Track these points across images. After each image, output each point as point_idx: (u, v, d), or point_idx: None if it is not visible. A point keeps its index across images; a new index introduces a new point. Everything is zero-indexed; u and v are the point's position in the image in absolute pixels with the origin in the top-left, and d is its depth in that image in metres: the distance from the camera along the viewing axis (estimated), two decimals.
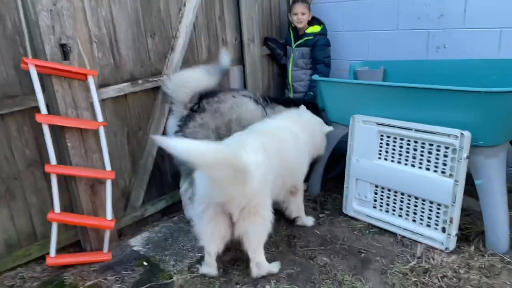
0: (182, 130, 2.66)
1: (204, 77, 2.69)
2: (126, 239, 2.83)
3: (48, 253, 2.44)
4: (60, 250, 2.54)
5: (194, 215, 2.36)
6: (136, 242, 2.78)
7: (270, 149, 2.28)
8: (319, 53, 3.49)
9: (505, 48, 2.88)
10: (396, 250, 2.50)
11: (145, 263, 2.54)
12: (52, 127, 2.32)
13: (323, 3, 3.72)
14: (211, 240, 2.22)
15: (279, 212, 2.77)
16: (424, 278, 2.20)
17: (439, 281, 2.16)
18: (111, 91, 2.62)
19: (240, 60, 3.43)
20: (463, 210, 2.74)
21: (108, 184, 2.48)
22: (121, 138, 2.79)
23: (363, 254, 2.50)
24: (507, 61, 2.80)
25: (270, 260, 2.36)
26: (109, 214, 2.50)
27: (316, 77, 3.10)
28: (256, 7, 3.40)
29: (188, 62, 3.05)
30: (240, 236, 2.18)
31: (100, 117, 2.41)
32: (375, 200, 2.80)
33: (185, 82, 2.66)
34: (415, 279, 2.20)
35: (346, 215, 2.93)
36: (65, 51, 2.27)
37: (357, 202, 2.90)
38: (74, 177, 2.45)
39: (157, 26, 2.85)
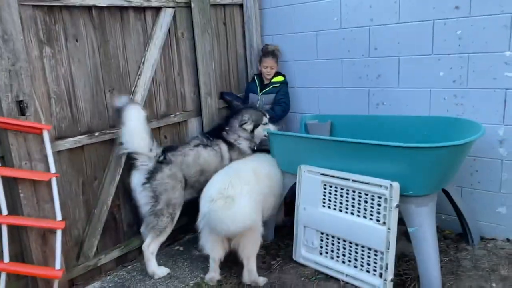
0: (150, 182, 2.91)
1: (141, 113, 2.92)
2: None
3: None
4: None
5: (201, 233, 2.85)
6: None
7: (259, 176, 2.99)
8: (281, 97, 3.77)
9: (434, 106, 3.19)
10: None
11: None
12: (6, 178, 2.40)
13: (283, 61, 4.02)
14: (215, 251, 2.79)
15: (229, 261, 2.88)
16: None
17: None
18: (67, 143, 2.75)
19: (198, 112, 3.63)
20: (404, 256, 2.93)
21: (58, 234, 2.54)
22: (76, 188, 2.88)
23: None
24: (436, 118, 3.10)
25: None
26: (58, 264, 2.54)
27: (268, 130, 3.32)
28: (213, 65, 3.66)
29: (147, 115, 3.22)
30: (236, 247, 2.77)
31: (53, 169, 2.52)
32: (321, 247, 2.94)
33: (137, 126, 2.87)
34: None
35: (296, 262, 3.05)
36: (21, 107, 2.41)
37: (305, 249, 3.03)
38: (25, 227, 2.51)
39: (116, 81, 3.04)
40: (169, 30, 3.32)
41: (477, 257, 2.89)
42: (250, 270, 2.78)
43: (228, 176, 2.89)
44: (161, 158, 2.98)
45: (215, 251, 2.80)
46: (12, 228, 2.45)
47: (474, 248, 3.00)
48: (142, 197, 2.94)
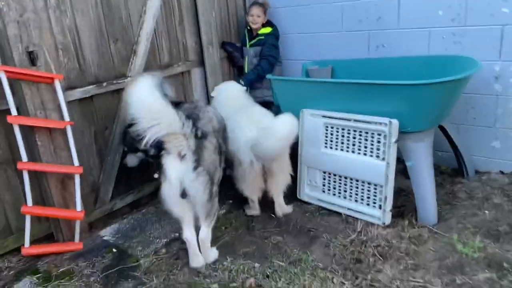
0: (200, 164, 2.33)
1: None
2: (97, 231, 3.05)
3: (23, 245, 2.64)
4: (34, 242, 2.73)
5: (239, 175, 2.93)
6: (106, 233, 3.01)
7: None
8: (265, 50, 3.78)
9: (433, 45, 3.24)
10: (340, 227, 2.80)
11: (114, 250, 2.77)
12: (23, 128, 2.53)
13: (278, 8, 4.03)
14: (254, 191, 2.99)
15: (240, 199, 3.07)
16: (361, 248, 2.51)
17: (373, 250, 2.48)
18: (77, 93, 2.84)
19: (200, 62, 3.70)
20: (400, 190, 3.10)
21: (77, 179, 2.70)
22: (89, 138, 3.01)
23: (311, 232, 2.79)
24: (434, 57, 3.17)
25: (228, 243, 2.69)
26: (79, 206, 2.72)
27: (269, 76, 3.40)
28: (213, 13, 3.68)
29: (151, 64, 3.30)
30: (271, 186, 2.98)
31: (66, 117, 2.63)
32: (323, 185, 3.11)
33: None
34: (353, 249, 2.51)
35: (300, 200, 3.23)
36: (32, 58, 2.49)
37: (309, 188, 3.20)
38: (45, 173, 2.66)
39: (119, 32, 3.09)
40: None
41: (471, 189, 3.06)
42: (281, 204, 3.06)
43: (251, 118, 2.99)
44: (198, 131, 2.33)
45: (254, 193, 3.01)
46: (31, 176, 2.60)
47: (469, 181, 3.17)
48: (198, 184, 2.33)
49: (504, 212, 2.72)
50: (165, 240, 2.84)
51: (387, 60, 3.38)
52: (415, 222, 2.74)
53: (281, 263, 2.46)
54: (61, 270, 2.57)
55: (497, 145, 3.17)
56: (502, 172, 3.21)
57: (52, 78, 2.55)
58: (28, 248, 2.62)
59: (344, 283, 2.22)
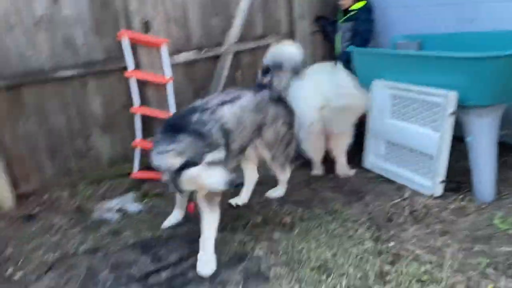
0: None
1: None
2: None
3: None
4: (143, 170, 3.57)
5: (303, 138, 3.19)
6: None
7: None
8: (359, 26, 3.87)
9: None
10: (390, 193, 2.93)
11: None
12: (138, 82, 3.33)
13: None
14: (316, 152, 3.29)
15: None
16: (397, 211, 2.65)
17: (409, 213, 2.60)
18: (181, 58, 3.55)
19: (291, 34, 4.07)
20: (463, 166, 3.01)
21: None
22: (189, 95, 3.70)
23: (361, 194, 3.00)
24: None
25: (285, 192, 3.04)
26: None
27: (350, 48, 3.59)
28: None
29: (245, 36, 3.82)
30: (332, 147, 3.27)
31: (169, 74, 3.35)
32: (386, 154, 3.24)
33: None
34: (389, 209, 2.66)
35: (365, 169, 3.41)
36: (147, 27, 3.25)
37: (373, 156, 3.36)
38: (152, 118, 3.45)
39: (221, 8, 3.68)
40: None
41: None
42: (343, 164, 3.32)
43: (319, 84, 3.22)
44: None
45: (317, 153, 3.30)
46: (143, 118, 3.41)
47: None
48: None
49: None
50: None
51: (476, 34, 3.22)
52: (469, 198, 2.71)
53: (319, 211, 2.77)
54: (156, 191, 3.34)
55: None
56: None
57: (161, 42, 3.27)
58: (135, 173, 3.47)
59: (365, 233, 2.44)
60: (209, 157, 2.03)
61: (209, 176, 2.03)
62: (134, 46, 3.29)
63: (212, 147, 2.07)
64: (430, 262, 2.10)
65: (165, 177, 2.15)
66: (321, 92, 3.13)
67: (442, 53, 2.68)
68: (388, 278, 2.02)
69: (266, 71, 2.77)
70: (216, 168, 2.04)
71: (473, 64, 2.53)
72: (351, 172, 3.34)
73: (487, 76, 2.52)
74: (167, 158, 2.04)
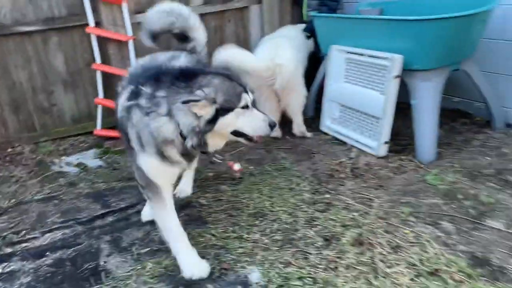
0: None
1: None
2: None
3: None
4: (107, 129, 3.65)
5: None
6: None
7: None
8: None
9: None
10: (339, 154, 3.06)
11: None
12: (99, 39, 3.36)
13: None
14: (271, 112, 3.23)
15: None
16: (340, 168, 2.78)
17: (350, 170, 2.73)
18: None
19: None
20: (407, 129, 3.13)
21: None
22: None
23: (313, 154, 3.12)
24: None
25: (242, 151, 3.17)
26: None
27: (312, 13, 3.64)
28: None
29: None
30: (285, 107, 3.36)
31: (130, 33, 3.38)
32: (339, 117, 3.35)
33: None
34: (333, 167, 2.79)
35: (321, 131, 3.52)
36: None
37: (329, 120, 3.47)
38: (114, 75, 3.49)
39: None
40: None
41: (490, 139, 2.95)
42: (298, 123, 3.43)
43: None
44: None
45: (271, 114, 3.36)
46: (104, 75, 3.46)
47: (493, 132, 3.04)
48: None
49: (505, 160, 2.63)
50: None
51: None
52: (412, 158, 2.84)
53: (269, 168, 2.89)
54: (117, 148, 3.42)
55: None
56: None
57: (121, 1, 3.29)
58: (98, 131, 3.55)
59: (306, 187, 2.57)
60: (245, 97, 1.69)
61: (250, 121, 1.71)
62: (97, 3, 3.32)
63: (243, 85, 1.72)
64: (358, 211, 2.24)
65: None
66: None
67: (387, 17, 2.76)
68: (315, 222, 2.15)
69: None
70: (252, 110, 1.74)
71: (416, 28, 2.62)
72: (308, 133, 3.45)
73: (429, 39, 2.61)
74: (197, 109, 1.59)
